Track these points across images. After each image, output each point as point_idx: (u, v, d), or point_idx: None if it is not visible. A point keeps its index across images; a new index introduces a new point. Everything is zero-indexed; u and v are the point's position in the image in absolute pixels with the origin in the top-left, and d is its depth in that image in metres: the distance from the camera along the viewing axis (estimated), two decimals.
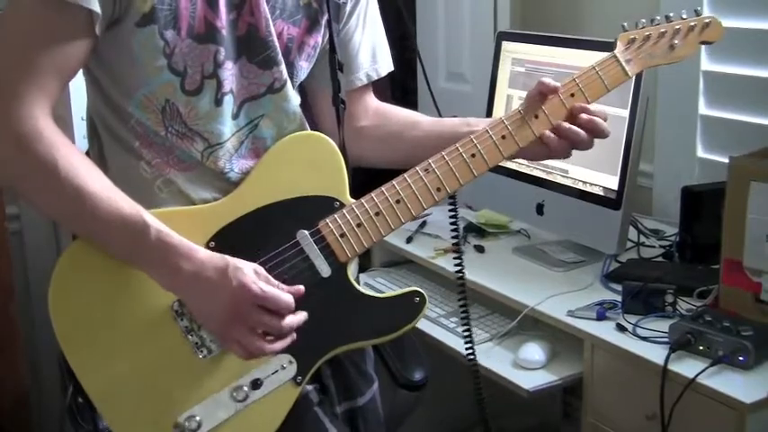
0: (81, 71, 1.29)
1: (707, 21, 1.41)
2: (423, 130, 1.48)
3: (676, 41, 1.39)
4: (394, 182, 1.32)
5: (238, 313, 1.19)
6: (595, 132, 1.36)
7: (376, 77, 1.51)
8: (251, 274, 1.20)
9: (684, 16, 1.40)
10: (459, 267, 1.48)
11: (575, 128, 1.35)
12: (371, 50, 1.49)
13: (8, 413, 2.48)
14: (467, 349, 1.54)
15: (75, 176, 1.17)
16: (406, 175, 1.32)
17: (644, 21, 1.39)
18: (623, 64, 1.37)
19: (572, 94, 1.36)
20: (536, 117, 1.35)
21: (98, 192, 1.18)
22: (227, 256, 1.21)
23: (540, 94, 1.35)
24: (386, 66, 1.52)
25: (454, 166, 1.32)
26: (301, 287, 1.24)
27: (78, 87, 1.34)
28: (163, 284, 1.22)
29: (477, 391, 1.55)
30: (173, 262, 1.19)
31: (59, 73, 1.19)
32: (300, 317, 1.24)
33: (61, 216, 1.25)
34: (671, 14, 1.40)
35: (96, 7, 1.16)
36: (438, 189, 1.32)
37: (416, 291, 1.32)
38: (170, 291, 1.23)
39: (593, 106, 1.37)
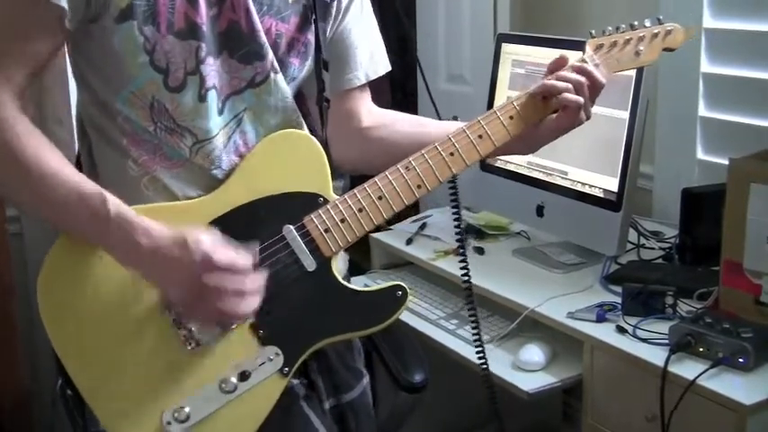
0: (70, 70, 1.31)
1: (669, 28, 1.47)
2: (430, 129, 1.49)
3: (641, 48, 1.45)
4: (376, 179, 1.34)
5: (206, 285, 1.19)
6: (589, 76, 1.39)
7: (374, 77, 1.51)
8: (209, 242, 1.19)
9: (648, 24, 1.46)
10: (467, 277, 1.50)
11: (572, 74, 1.39)
12: (369, 50, 1.50)
13: (8, 413, 2.48)
14: (479, 357, 1.56)
15: (34, 158, 1.18)
16: (387, 173, 1.35)
17: (610, 28, 1.45)
18: (592, 68, 1.42)
19: (544, 97, 1.40)
20: (510, 118, 1.39)
21: (58, 172, 1.19)
22: (182, 230, 1.21)
23: (551, 72, 1.41)
24: (383, 66, 1.53)
25: (434, 164, 1.36)
26: (255, 248, 1.24)
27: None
28: (123, 262, 1.22)
29: (491, 399, 1.57)
30: (132, 238, 1.19)
31: (27, 65, 1.20)
32: (263, 274, 1.23)
33: (23, 200, 1.24)
34: (635, 23, 1.45)
35: (64, 3, 1.17)
36: (418, 186, 1.35)
37: (399, 285, 1.35)
38: (132, 268, 1.22)
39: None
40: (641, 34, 1.45)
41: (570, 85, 1.38)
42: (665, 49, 1.48)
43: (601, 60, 1.42)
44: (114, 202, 1.20)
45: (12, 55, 1.19)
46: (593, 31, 1.44)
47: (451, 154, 1.36)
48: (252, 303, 1.23)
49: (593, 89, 1.40)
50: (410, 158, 1.35)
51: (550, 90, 1.39)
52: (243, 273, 1.21)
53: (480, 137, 1.37)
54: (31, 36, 1.19)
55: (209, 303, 1.20)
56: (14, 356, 2.47)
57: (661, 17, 1.48)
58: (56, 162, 1.20)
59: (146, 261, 1.21)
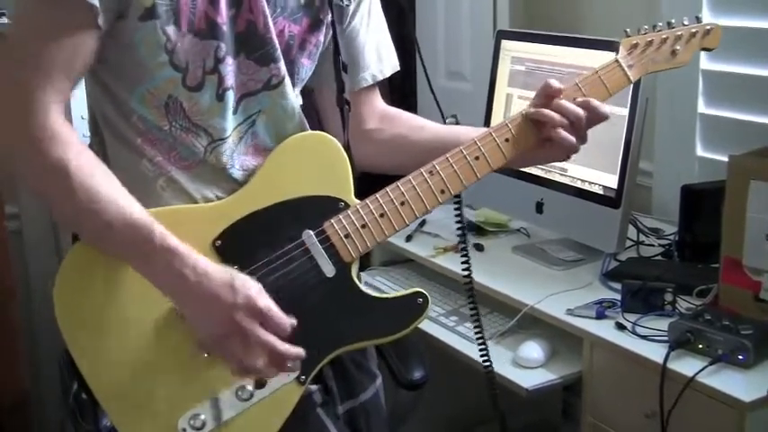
0: None
1: (708, 28, 1.43)
2: (430, 133, 1.48)
3: (678, 47, 1.41)
4: (398, 183, 1.32)
5: (239, 326, 1.17)
6: (591, 110, 1.34)
7: (381, 78, 1.51)
8: (256, 289, 1.19)
9: (686, 22, 1.42)
10: (468, 273, 1.50)
11: (572, 105, 1.33)
12: (376, 51, 1.49)
13: (8, 413, 2.48)
14: (481, 354, 1.55)
15: (85, 177, 1.17)
16: (410, 177, 1.32)
17: (646, 27, 1.41)
18: (625, 69, 1.39)
19: (574, 99, 1.36)
20: (539, 121, 1.35)
21: (108, 194, 1.18)
22: (231, 270, 1.20)
23: (546, 97, 1.35)
24: (391, 66, 1.52)
25: (458, 169, 1.33)
26: (294, 320, 1.22)
27: (80, 89, 1.34)
28: (164, 291, 1.21)
29: (492, 395, 1.56)
30: (177, 269, 1.18)
31: (70, 70, 1.20)
32: (298, 351, 1.21)
33: (70, 217, 1.23)
34: (672, 20, 1.42)
35: (95, 1, 1.17)
36: (442, 191, 1.33)
37: (420, 292, 1.33)
38: (170, 298, 1.21)
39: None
40: (679, 33, 1.41)
41: (566, 121, 1.32)
42: (704, 49, 1.44)
43: (635, 61, 1.38)
44: (161, 231, 1.18)
45: (54, 62, 1.17)
46: (629, 30, 1.39)
47: (477, 158, 1.33)
48: (277, 371, 1.21)
49: (594, 121, 1.35)
50: (434, 162, 1.32)
51: (545, 121, 1.33)
52: (281, 332, 1.19)
53: (507, 140, 1.34)
54: (69, 39, 1.18)
55: (240, 347, 1.18)
56: (14, 356, 2.47)
57: (700, 15, 1.43)
58: (105, 182, 1.19)
59: (187, 293, 1.19)
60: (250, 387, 1.27)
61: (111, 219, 1.18)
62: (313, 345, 1.29)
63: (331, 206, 1.31)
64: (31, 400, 2.56)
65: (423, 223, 2.41)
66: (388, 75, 1.52)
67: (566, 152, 1.36)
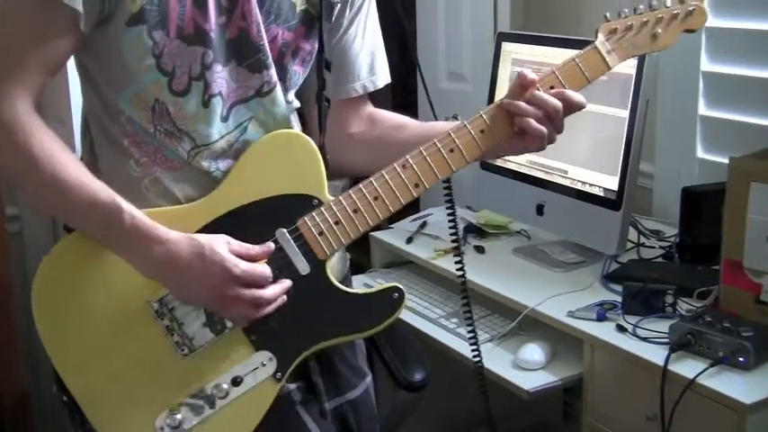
0: (69, 68, 1.31)
1: (690, 8, 1.39)
2: (409, 132, 1.47)
3: (659, 30, 1.37)
4: (371, 178, 1.32)
5: (223, 294, 1.22)
6: (567, 101, 1.32)
7: (372, 89, 1.50)
8: (227, 253, 1.22)
9: (668, 4, 1.38)
10: (461, 266, 1.48)
11: (549, 97, 1.31)
12: (369, 62, 1.49)
13: (8, 413, 2.48)
14: (473, 351, 1.55)
15: (49, 163, 1.20)
16: (383, 172, 1.32)
17: (626, 10, 1.37)
18: (604, 55, 1.36)
19: (551, 87, 1.33)
20: (482, 131, 1.33)
21: (73, 178, 1.20)
22: (198, 237, 1.23)
23: (521, 87, 1.33)
24: (383, 78, 1.51)
25: (432, 162, 1.32)
26: (271, 245, 1.28)
27: (78, 88, 1.34)
28: (143, 272, 1.24)
29: (482, 392, 1.56)
30: (146, 247, 1.21)
31: (44, 68, 1.22)
32: (285, 284, 1.27)
33: (42, 203, 1.28)
34: (654, 2, 1.38)
35: (79, 6, 1.18)
36: (416, 185, 1.32)
37: (395, 286, 1.33)
38: (149, 277, 1.24)
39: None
40: (660, 15, 1.36)
41: (540, 113, 1.31)
42: (687, 31, 1.40)
43: (614, 47, 1.36)
44: (129, 211, 1.21)
45: (30, 60, 1.20)
46: (608, 14, 1.37)
47: (451, 150, 1.32)
48: (273, 306, 1.26)
49: (569, 111, 1.33)
50: (407, 156, 1.32)
51: (520, 113, 1.32)
52: (262, 284, 1.24)
53: (482, 131, 1.33)
54: (48, 39, 1.20)
55: (232, 309, 1.24)
56: (14, 356, 2.47)
57: None
58: (70, 167, 1.21)
59: (162, 270, 1.23)
60: (226, 385, 1.28)
61: (78, 202, 1.21)
62: (288, 342, 1.30)
63: (304, 204, 1.31)
64: (31, 400, 2.56)
65: (423, 225, 2.41)
66: (379, 86, 1.51)
67: (540, 142, 1.34)
